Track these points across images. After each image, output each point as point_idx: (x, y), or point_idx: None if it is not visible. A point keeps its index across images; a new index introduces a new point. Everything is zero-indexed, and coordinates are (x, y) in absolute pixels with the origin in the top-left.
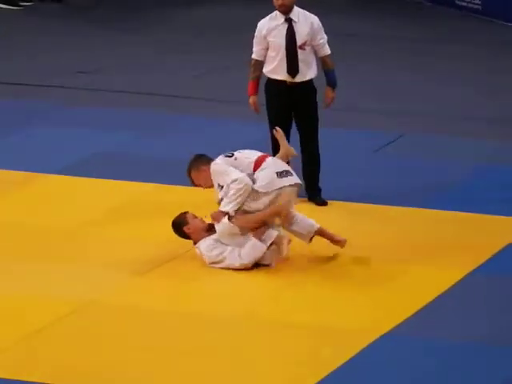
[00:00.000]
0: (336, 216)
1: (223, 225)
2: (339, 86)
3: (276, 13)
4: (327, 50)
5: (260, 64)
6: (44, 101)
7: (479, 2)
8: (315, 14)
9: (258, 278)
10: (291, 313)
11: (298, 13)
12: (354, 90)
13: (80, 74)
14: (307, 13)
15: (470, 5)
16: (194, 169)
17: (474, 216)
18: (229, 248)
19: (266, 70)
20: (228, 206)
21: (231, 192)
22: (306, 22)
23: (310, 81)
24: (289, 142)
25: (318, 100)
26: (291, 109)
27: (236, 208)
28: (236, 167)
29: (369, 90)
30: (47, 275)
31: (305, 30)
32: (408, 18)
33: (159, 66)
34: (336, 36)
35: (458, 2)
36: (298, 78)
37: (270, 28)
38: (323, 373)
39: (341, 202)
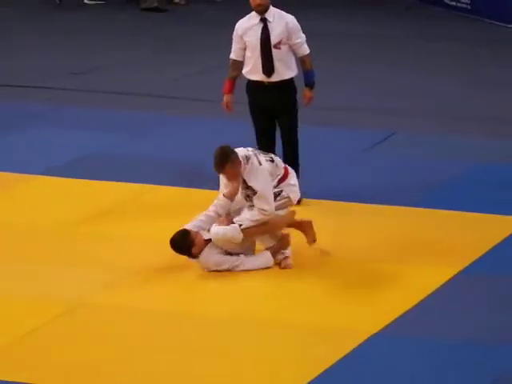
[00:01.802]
0: (326, 215)
1: (233, 230)
2: (330, 84)
3: (253, 13)
4: (305, 50)
5: (238, 64)
6: (38, 102)
7: (468, 2)
8: (313, 14)
9: (252, 278)
10: (283, 312)
11: (273, 13)
12: (344, 89)
13: (73, 75)
14: (283, 13)
15: (459, 4)
16: (230, 162)
17: (464, 215)
18: (237, 261)
19: (244, 71)
20: (244, 224)
21: (256, 216)
22: (281, 21)
23: (289, 80)
24: (274, 144)
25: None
26: (271, 109)
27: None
28: (271, 174)
29: (359, 88)
30: (40, 276)
31: (279, 29)
32: (397, 17)
33: (154, 67)
34: (327, 35)
35: (446, 1)
36: (275, 78)
37: (246, 28)
38: (316, 372)
39: (331, 202)
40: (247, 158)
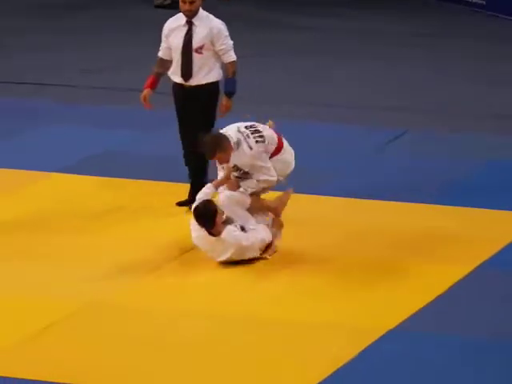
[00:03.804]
0: (339, 212)
1: (241, 194)
2: (341, 81)
3: (181, 14)
4: (230, 57)
5: (164, 62)
6: (50, 100)
7: None
8: (327, 12)
9: (260, 276)
10: (297, 311)
11: (201, 16)
12: (357, 87)
13: (85, 73)
14: (212, 17)
15: (475, 0)
16: (221, 150)
17: (479, 211)
18: (251, 233)
19: (169, 72)
20: (250, 189)
21: (262, 184)
22: (207, 26)
23: (209, 84)
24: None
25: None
26: (188, 112)
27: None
28: (266, 153)
29: (372, 86)
30: (50, 275)
31: (203, 34)
32: (411, 14)
33: None
34: (336, 32)
35: None
36: (193, 82)
37: (171, 28)
38: (331, 369)
39: (344, 199)
40: (238, 144)
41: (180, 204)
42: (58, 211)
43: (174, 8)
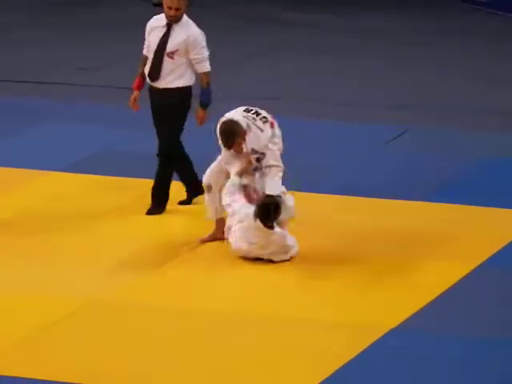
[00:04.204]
0: (340, 210)
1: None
2: (344, 80)
3: (164, 15)
4: (204, 68)
5: (147, 60)
6: (48, 97)
7: None
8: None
9: (264, 273)
10: (298, 309)
11: (182, 22)
12: (358, 85)
13: (83, 70)
14: (192, 24)
15: None
16: (239, 136)
17: (480, 209)
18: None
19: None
20: (278, 190)
21: (277, 179)
22: (184, 32)
23: (176, 89)
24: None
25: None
26: (157, 112)
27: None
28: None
29: (372, 84)
30: (50, 274)
31: (179, 40)
32: (412, 12)
33: None
34: (342, 31)
35: None
36: (159, 84)
37: (152, 27)
38: (333, 367)
39: (344, 197)
40: (248, 127)
41: (182, 203)
42: (58, 210)
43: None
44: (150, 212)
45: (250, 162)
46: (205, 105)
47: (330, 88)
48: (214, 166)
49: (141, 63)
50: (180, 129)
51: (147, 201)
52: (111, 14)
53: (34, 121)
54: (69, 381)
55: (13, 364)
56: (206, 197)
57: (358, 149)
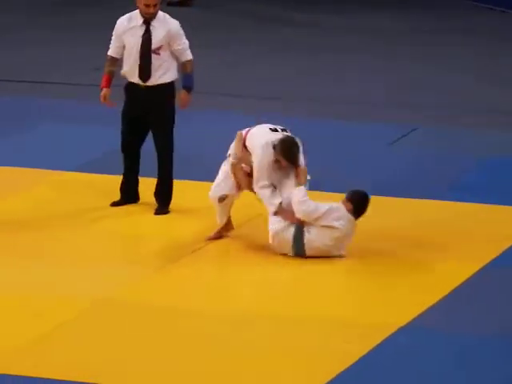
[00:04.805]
0: None
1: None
2: (353, 78)
3: (136, 13)
4: (188, 56)
5: (115, 61)
6: (62, 97)
7: None
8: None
9: (271, 273)
10: (306, 307)
11: (158, 17)
12: (367, 83)
13: (85, 70)
14: (168, 17)
15: None
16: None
17: (488, 207)
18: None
19: (122, 70)
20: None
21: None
22: (164, 26)
23: (166, 84)
24: (138, 149)
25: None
26: (145, 113)
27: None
28: None
29: (381, 83)
30: (59, 274)
31: (161, 35)
32: (418, 10)
33: None
34: (347, 31)
35: None
36: (151, 82)
37: (127, 27)
38: (342, 366)
39: None
40: None
41: (114, 204)
42: (63, 210)
43: (185, 5)
44: (157, 212)
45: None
46: (189, 89)
47: (331, 88)
48: (225, 177)
49: (107, 63)
50: (174, 121)
51: (154, 200)
52: (112, 14)
53: (37, 121)
54: (78, 380)
55: (22, 364)
56: (218, 207)
57: (366, 148)
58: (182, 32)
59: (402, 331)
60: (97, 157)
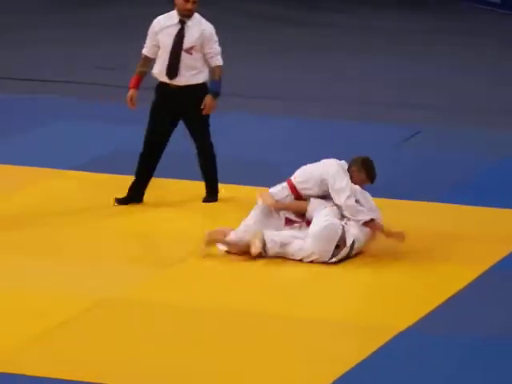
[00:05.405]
0: None
1: None
2: (358, 79)
3: (174, 12)
4: (217, 62)
5: (148, 61)
6: (64, 96)
7: None
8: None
9: (275, 274)
10: (308, 309)
11: (194, 18)
12: (372, 84)
13: (99, 69)
14: (203, 20)
15: None
16: None
17: (493, 210)
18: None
19: (154, 71)
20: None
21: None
22: (199, 27)
23: (197, 86)
24: (163, 147)
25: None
26: (175, 113)
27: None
28: None
29: (386, 83)
30: (61, 272)
31: (195, 35)
32: (418, 10)
33: None
34: (347, 31)
35: None
36: (179, 82)
37: (162, 26)
38: (342, 369)
39: None
40: None
41: (118, 200)
42: (68, 208)
43: None
44: (206, 200)
45: None
46: (216, 94)
47: (331, 88)
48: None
49: (140, 63)
50: (209, 122)
51: (160, 198)
52: (127, 15)
53: (45, 119)
54: (80, 378)
55: (23, 362)
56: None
57: (372, 149)
58: (215, 37)
59: (405, 334)
60: (101, 155)
